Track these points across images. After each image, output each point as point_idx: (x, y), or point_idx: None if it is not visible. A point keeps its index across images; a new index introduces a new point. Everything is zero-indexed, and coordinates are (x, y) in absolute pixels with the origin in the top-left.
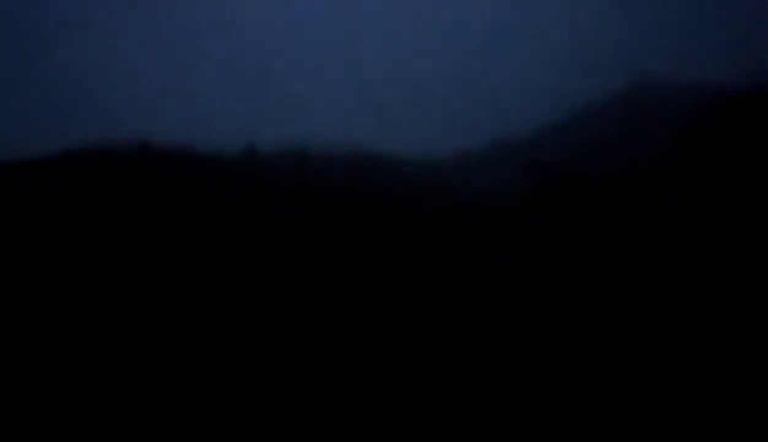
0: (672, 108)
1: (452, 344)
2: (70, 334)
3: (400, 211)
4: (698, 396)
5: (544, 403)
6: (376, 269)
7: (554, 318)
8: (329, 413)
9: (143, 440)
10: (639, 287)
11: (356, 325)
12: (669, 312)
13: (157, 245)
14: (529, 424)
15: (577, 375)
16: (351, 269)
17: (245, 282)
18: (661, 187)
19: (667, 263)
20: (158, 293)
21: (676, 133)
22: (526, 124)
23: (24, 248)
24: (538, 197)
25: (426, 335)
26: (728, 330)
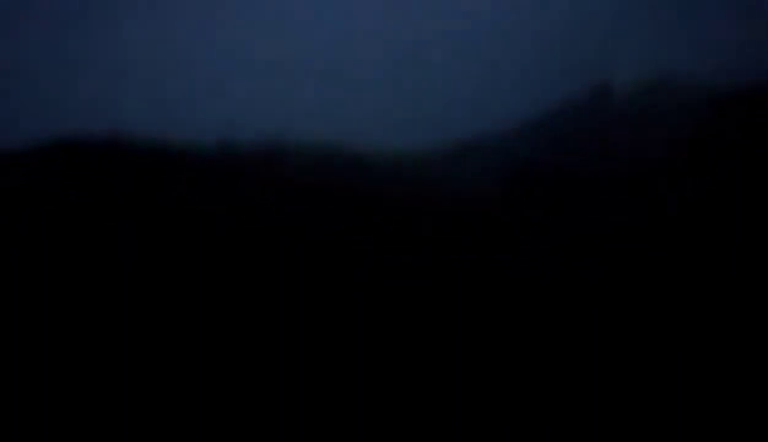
0: (664, 106)
1: (448, 344)
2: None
3: (379, 206)
4: (698, 396)
5: (544, 403)
6: (358, 266)
7: (555, 317)
8: (329, 409)
9: (144, 439)
10: (635, 287)
11: (344, 321)
12: (666, 312)
13: (136, 238)
14: (529, 424)
15: (577, 374)
16: (332, 266)
17: (219, 278)
18: (654, 187)
19: (665, 263)
20: (137, 287)
21: (669, 132)
22: (508, 121)
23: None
24: (525, 197)
25: (419, 335)
26: (728, 330)
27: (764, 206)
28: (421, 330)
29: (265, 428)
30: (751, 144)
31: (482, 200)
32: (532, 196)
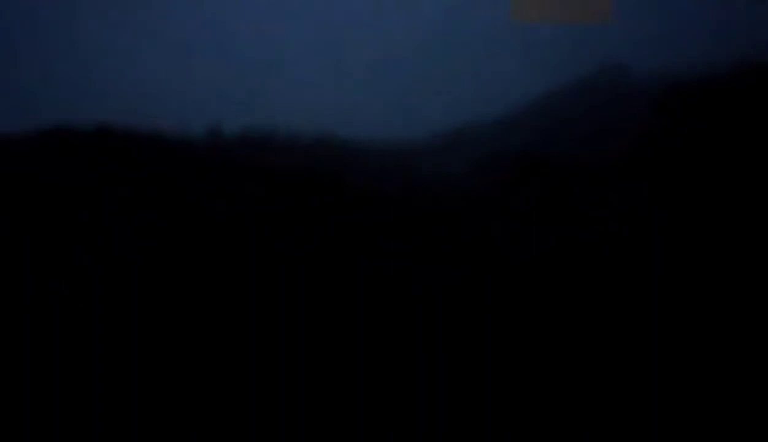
0: (638, 95)
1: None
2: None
3: (367, 195)
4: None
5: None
6: (344, 251)
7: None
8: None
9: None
10: (608, 272)
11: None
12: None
13: (126, 228)
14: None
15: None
16: (319, 253)
17: (208, 269)
18: (627, 175)
19: (638, 250)
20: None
21: (643, 121)
22: (491, 110)
23: None
24: (506, 186)
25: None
26: (699, 312)
27: (735, 196)
28: (405, 319)
29: (265, 423)
30: (720, 133)
31: (462, 188)
32: (510, 184)
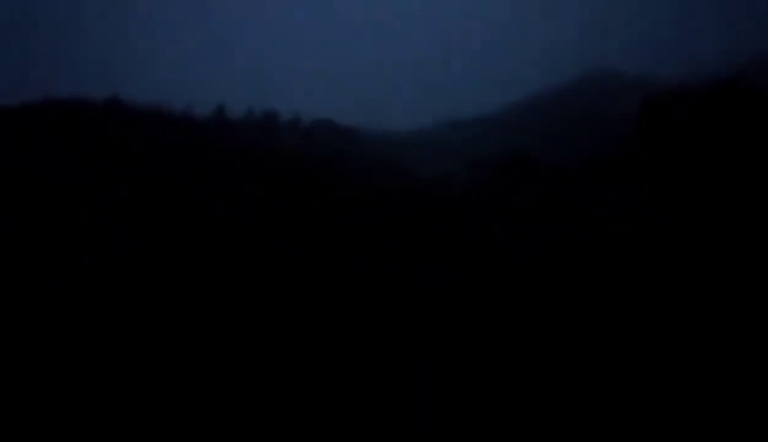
0: (624, 99)
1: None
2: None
3: (368, 185)
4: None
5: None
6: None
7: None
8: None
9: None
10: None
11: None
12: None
13: (133, 206)
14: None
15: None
16: (316, 232)
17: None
18: (613, 176)
19: (633, 249)
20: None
21: (628, 125)
22: (482, 108)
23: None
24: (493, 184)
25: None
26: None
27: (715, 196)
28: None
29: (266, 418)
30: (702, 137)
31: (451, 182)
32: (498, 181)
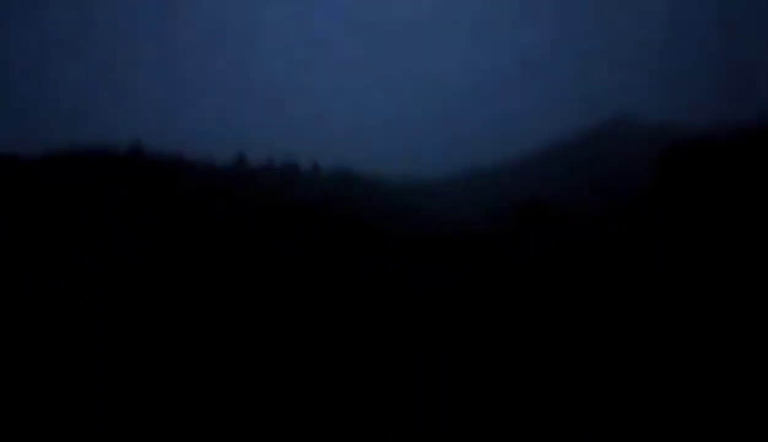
0: (645, 146)
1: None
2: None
3: (379, 231)
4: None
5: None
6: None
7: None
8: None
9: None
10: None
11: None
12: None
13: (157, 244)
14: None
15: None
16: (335, 278)
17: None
18: (632, 222)
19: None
20: (157, 291)
21: (648, 172)
22: (502, 156)
23: (26, 237)
24: (515, 230)
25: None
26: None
27: (732, 242)
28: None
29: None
30: (721, 185)
31: (471, 227)
32: (518, 226)
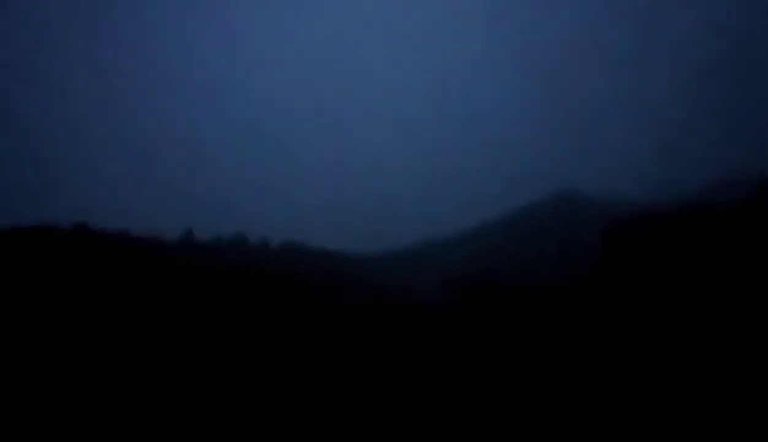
0: (592, 219)
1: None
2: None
3: (329, 302)
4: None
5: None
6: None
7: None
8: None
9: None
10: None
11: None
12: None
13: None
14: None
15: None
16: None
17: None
18: (579, 298)
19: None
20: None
21: (595, 245)
22: (451, 230)
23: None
24: (456, 304)
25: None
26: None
27: (682, 316)
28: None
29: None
30: (670, 258)
31: (426, 300)
32: (466, 300)
